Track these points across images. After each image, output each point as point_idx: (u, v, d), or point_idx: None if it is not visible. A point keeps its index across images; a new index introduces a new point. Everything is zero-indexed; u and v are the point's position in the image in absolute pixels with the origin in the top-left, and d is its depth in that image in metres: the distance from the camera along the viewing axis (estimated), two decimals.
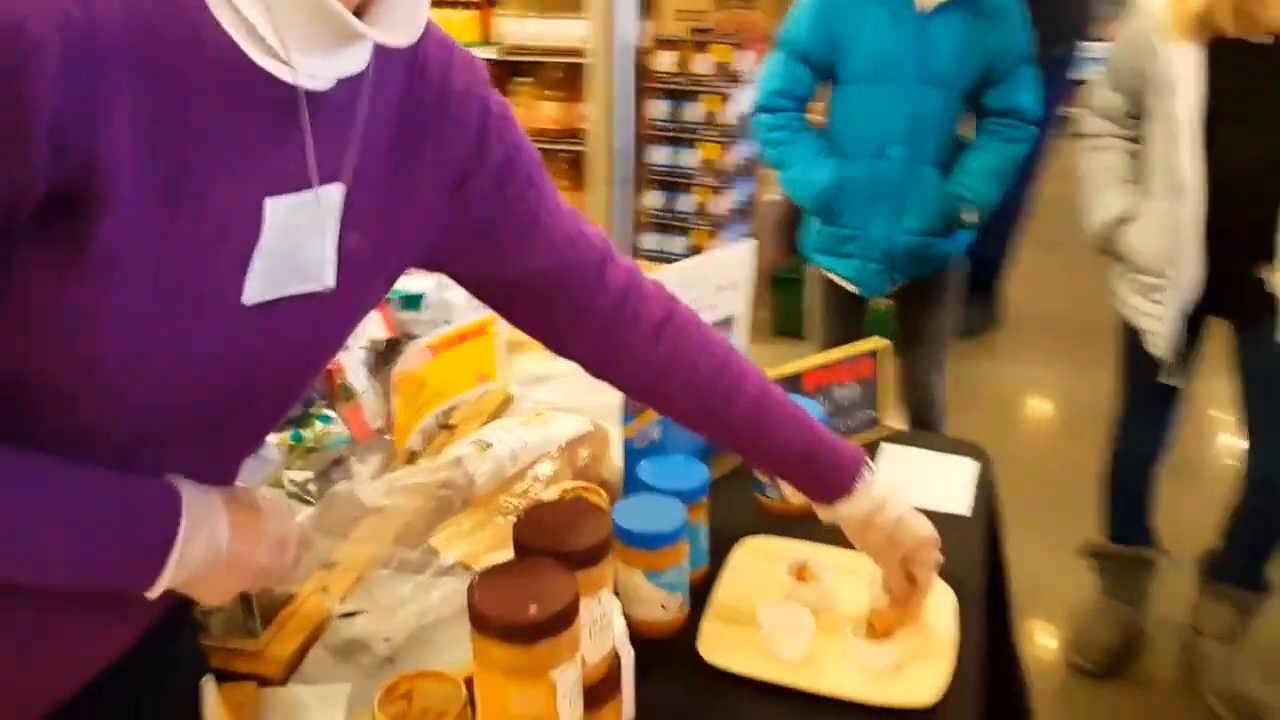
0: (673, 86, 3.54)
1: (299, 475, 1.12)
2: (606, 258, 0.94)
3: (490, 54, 3.86)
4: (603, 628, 0.85)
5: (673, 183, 3.60)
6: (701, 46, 3.48)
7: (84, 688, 0.82)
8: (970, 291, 3.84)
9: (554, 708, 0.77)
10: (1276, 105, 1.67)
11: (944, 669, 1.03)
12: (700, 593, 1.14)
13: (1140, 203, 1.84)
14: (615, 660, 0.90)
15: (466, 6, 3.87)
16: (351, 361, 1.26)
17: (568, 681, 0.78)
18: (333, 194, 0.72)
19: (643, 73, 3.58)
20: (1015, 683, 1.32)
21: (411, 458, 1.34)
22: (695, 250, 3.51)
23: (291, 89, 0.67)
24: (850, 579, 1.14)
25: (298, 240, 0.71)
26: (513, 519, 1.19)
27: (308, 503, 1.14)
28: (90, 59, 0.58)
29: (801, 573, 1.14)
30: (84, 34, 0.58)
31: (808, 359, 1.40)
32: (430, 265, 0.88)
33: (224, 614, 1.09)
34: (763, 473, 1.28)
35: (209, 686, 0.92)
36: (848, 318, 2.21)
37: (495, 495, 1.21)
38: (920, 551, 1.04)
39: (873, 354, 1.42)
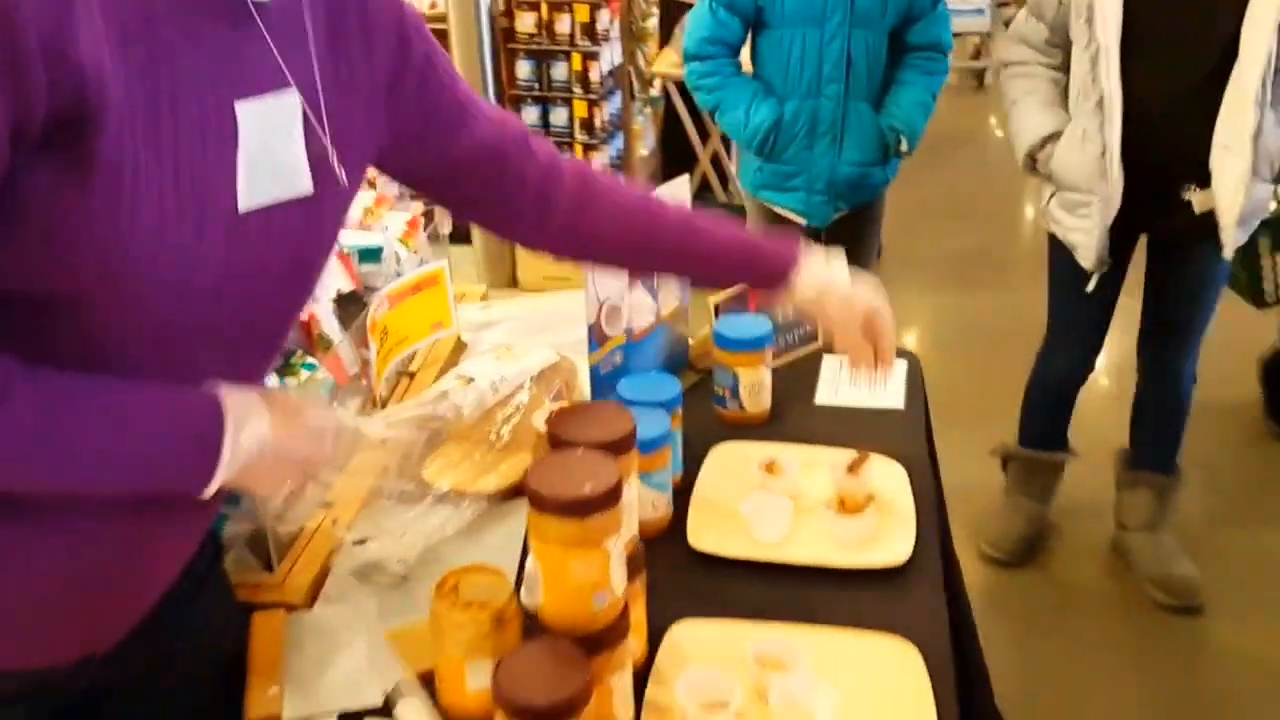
0: (535, 47, 3.58)
1: (350, 423, 1.15)
2: (528, 131, 1.02)
3: None
4: (633, 510, 0.95)
5: None
6: (562, 7, 3.53)
7: (151, 610, 0.86)
8: None
9: (608, 574, 0.86)
10: (1192, 29, 1.79)
11: (909, 534, 1.18)
12: (680, 496, 1.25)
13: (1064, 125, 1.95)
14: (639, 541, 0.99)
15: None
16: (324, 312, 1.28)
17: (618, 551, 0.87)
18: (292, 98, 0.78)
19: (505, 35, 3.60)
20: (952, 555, 1.49)
21: (383, 404, 1.38)
22: None
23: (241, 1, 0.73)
24: (814, 470, 1.27)
25: (273, 145, 0.77)
26: (499, 448, 1.28)
27: None
28: None
29: (771, 468, 1.27)
30: None
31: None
32: (381, 164, 0.94)
33: (236, 552, 1.12)
34: (713, 286, 1.33)
35: None
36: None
37: (479, 426, 1.27)
38: (877, 319, 1.11)
39: None
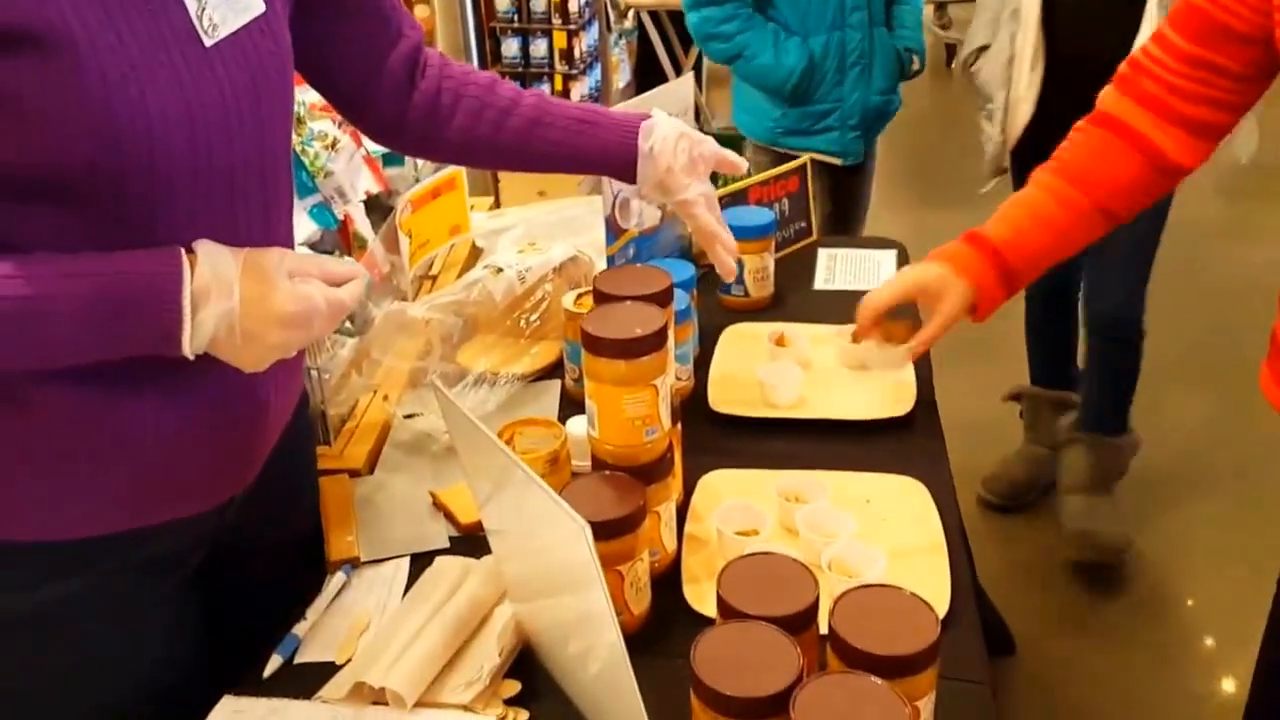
0: None
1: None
2: (403, 6, 1.06)
3: None
4: (674, 357, 1.05)
5: (527, 73, 3.68)
6: None
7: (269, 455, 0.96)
8: None
9: (657, 410, 0.96)
10: None
11: (909, 389, 1.30)
12: (699, 371, 1.35)
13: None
14: (676, 397, 1.10)
15: None
16: (358, 213, 1.37)
17: (665, 390, 0.97)
18: None
19: None
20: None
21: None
22: None
23: None
24: (820, 344, 1.38)
25: None
26: (528, 334, 1.38)
27: (349, 335, 1.26)
28: None
29: (780, 340, 1.38)
30: None
31: (747, 180, 1.62)
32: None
33: None
34: (560, 169, 1.23)
35: None
36: (830, 188, 2.29)
37: (509, 312, 1.36)
38: (699, 146, 1.13)
39: (799, 170, 1.66)
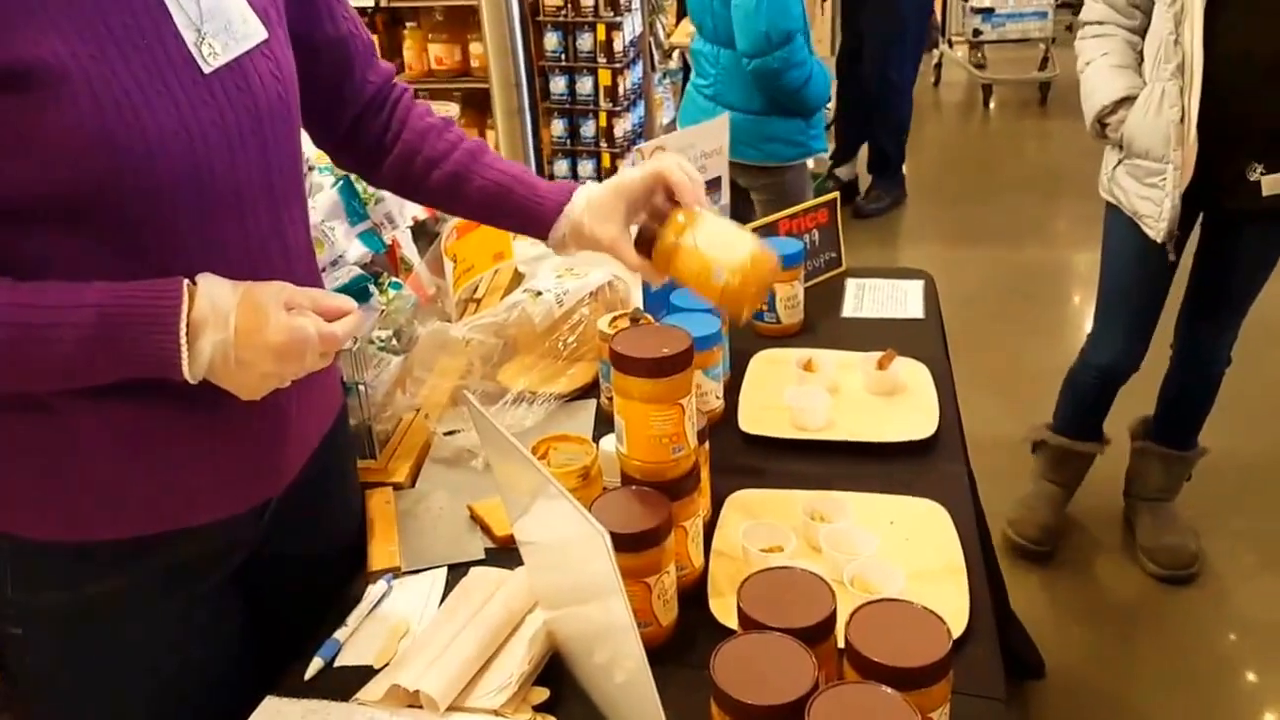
0: (562, 19, 3.71)
1: (383, 333, 1.30)
2: (374, 48, 1.10)
3: (370, 1, 3.96)
4: (701, 390, 1.09)
5: (574, 110, 3.78)
6: None
7: (304, 468, 1.01)
8: (877, 176, 4.27)
9: (684, 428, 1.00)
10: None
11: (933, 412, 1.32)
12: (729, 394, 1.39)
13: (1138, 89, 1.85)
14: (704, 419, 1.14)
15: None
16: (405, 238, 1.43)
17: (691, 409, 1.01)
18: None
19: (533, 8, 3.73)
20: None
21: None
22: (609, 173, 3.71)
23: None
24: (847, 368, 1.42)
25: (213, 6, 0.84)
26: (565, 355, 1.42)
27: (394, 353, 1.32)
28: None
29: (808, 365, 1.41)
30: None
31: (778, 214, 1.66)
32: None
33: None
34: (485, 221, 1.21)
35: None
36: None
37: (547, 334, 1.42)
38: (637, 184, 1.04)
39: (828, 205, 1.70)
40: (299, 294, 0.85)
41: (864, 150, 4.36)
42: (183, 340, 0.80)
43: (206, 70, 0.83)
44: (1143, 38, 1.90)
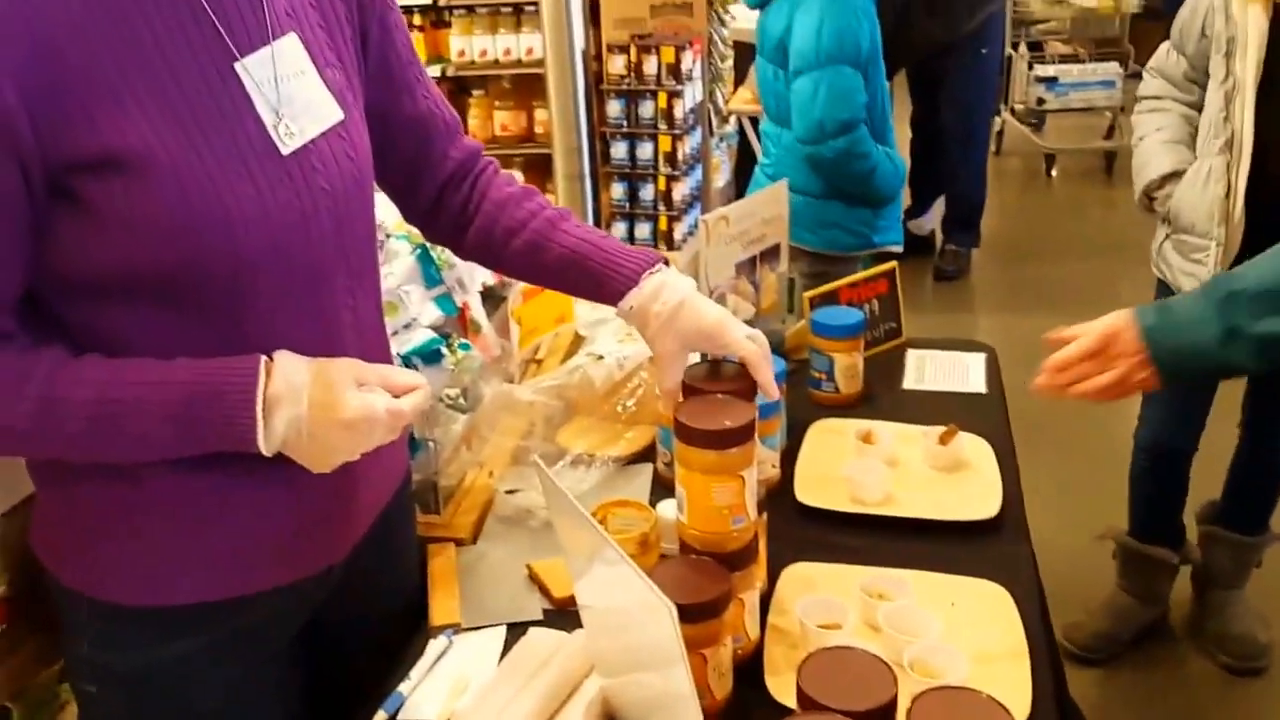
0: (625, 87, 3.81)
1: (451, 391, 1.34)
2: (459, 125, 1.11)
3: (438, 71, 4.13)
4: (759, 459, 1.10)
5: (633, 174, 3.86)
6: (649, 50, 3.76)
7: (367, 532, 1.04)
8: (954, 232, 4.28)
9: (744, 500, 1.01)
10: None
11: (996, 493, 1.31)
12: (787, 463, 1.39)
13: (1188, 164, 1.85)
14: (762, 487, 1.14)
15: (414, 28, 4.12)
16: (475, 301, 1.48)
17: (752, 481, 1.02)
18: (291, 42, 0.88)
19: (597, 77, 3.84)
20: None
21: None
22: (665, 234, 3.78)
23: None
24: (907, 443, 1.41)
25: (292, 90, 0.86)
26: (624, 419, 1.44)
27: (461, 410, 1.35)
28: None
29: (867, 437, 1.41)
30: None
31: (838, 281, 1.68)
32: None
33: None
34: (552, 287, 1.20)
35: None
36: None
37: (607, 397, 1.44)
38: (718, 336, 1.05)
39: (887, 275, 1.71)
40: (369, 371, 0.88)
41: (939, 206, 4.40)
42: (259, 416, 0.83)
43: (284, 152, 0.86)
44: (1199, 113, 1.89)
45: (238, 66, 0.84)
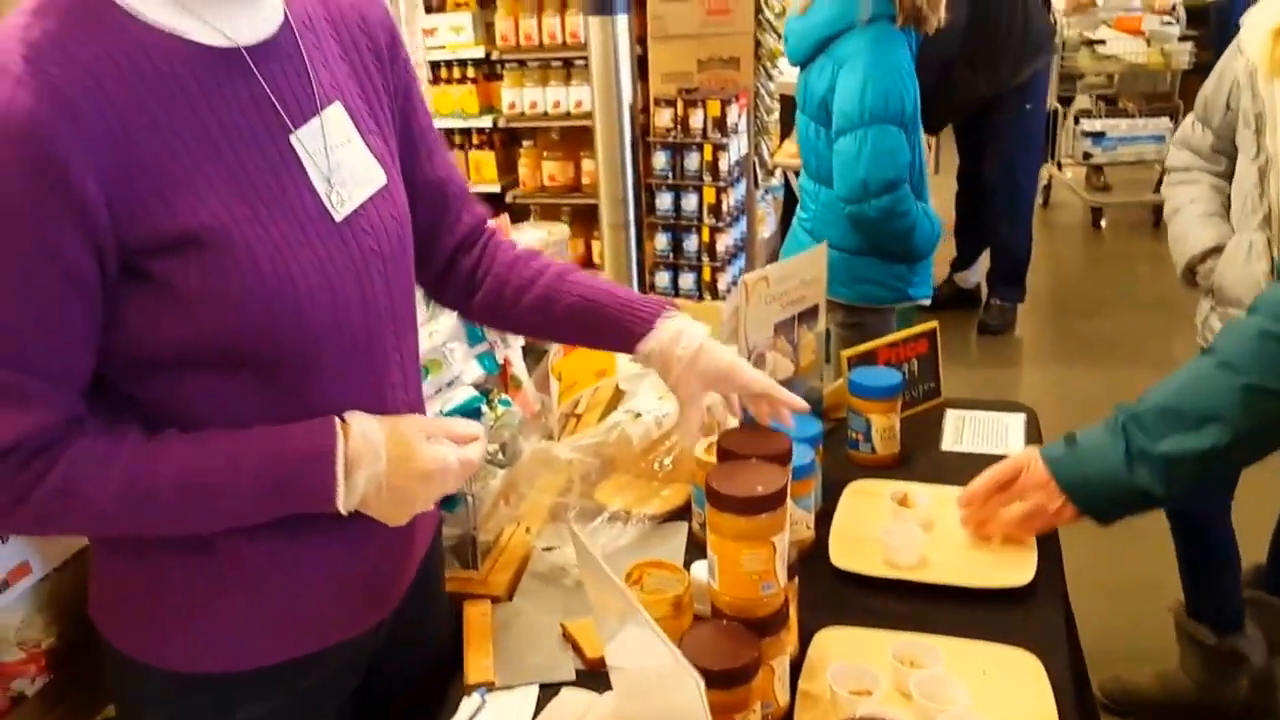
0: (671, 140, 3.87)
1: (491, 447, 1.37)
2: (469, 191, 1.14)
3: (489, 122, 4.26)
4: (793, 520, 1.11)
5: (678, 225, 3.91)
6: (695, 104, 3.83)
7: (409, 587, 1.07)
8: (1000, 285, 4.26)
9: (774, 566, 1.02)
10: None
11: (1030, 560, 1.30)
12: (821, 524, 1.40)
13: (1227, 238, 1.84)
14: (794, 549, 1.15)
15: (467, 80, 4.26)
16: (516, 356, 1.52)
17: (782, 547, 1.03)
18: (337, 111, 0.92)
19: (644, 129, 3.92)
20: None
21: (557, 439, 1.60)
22: (709, 285, 3.81)
23: (240, 50, 0.85)
24: (943, 505, 1.41)
25: (340, 158, 0.91)
26: (661, 476, 1.46)
27: (500, 466, 1.38)
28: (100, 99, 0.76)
29: (903, 500, 1.41)
30: (80, 95, 0.75)
31: (877, 340, 1.69)
32: None
33: (447, 553, 1.33)
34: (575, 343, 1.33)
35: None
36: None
37: (645, 454, 1.46)
38: (734, 377, 1.10)
39: (927, 335, 1.72)
40: (432, 423, 0.93)
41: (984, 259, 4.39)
42: (340, 476, 0.87)
43: (337, 218, 0.90)
44: (1229, 182, 1.88)
45: (292, 139, 0.89)
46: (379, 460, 0.88)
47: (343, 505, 0.88)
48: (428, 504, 0.93)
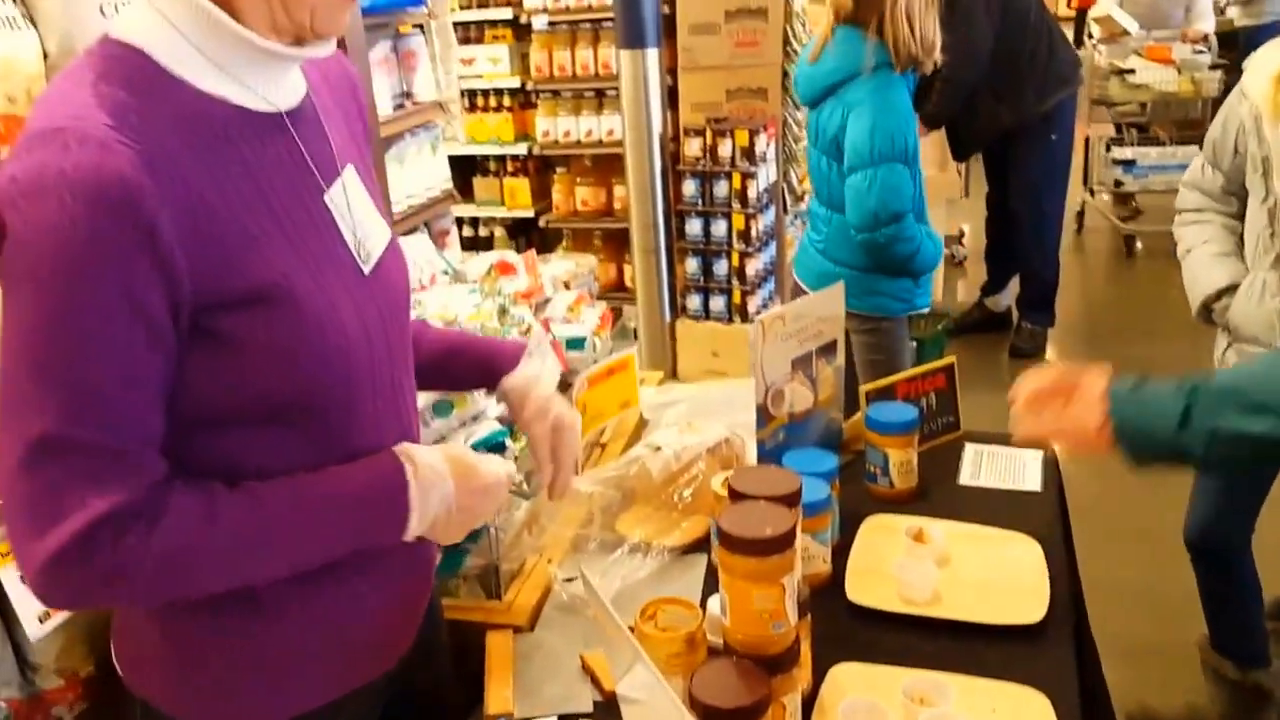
0: (700, 169, 3.92)
1: (516, 477, 1.41)
2: None
3: (524, 149, 4.35)
4: (803, 558, 1.14)
5: (707, 250, 3.95)
6: (724, 133, 3.87)
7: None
8: (1030, 311, 4.27)
9: (784, 605, 1.05)
10: None
11: (1042, 598, 1.32)
12: (838, 558, 1.42)
13: (1241, 276, 1.86)
14: (807, 587, 1.18)
15: (503, 109, 4.36)
16: None
17: (792, 587, 1.06)
18: (351, 172, 0.98)
19: (674, 157, 3.97)
20: (1084, 618, 1.59)
21: (581, 469, 1.64)
22: (739, 308, 3.85)
23: (281, 114, 0.91)
24: (958, 541, 1.43)
25: (360, 216, 0.97)
26: (680, 509, 1.50)
27: (524, 497, 1.42)
28: (170, 173, 0.81)
29: (919, 536, 1.44)
30: (157, 162, 0.80)
31: (897, 375, 1.72)
32: None
33: (469, 584, 1.37)
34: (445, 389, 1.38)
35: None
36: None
37: (665, 487, 1.50)
38: (564, 430, 1.19)
39: (945, 370, 1.74)
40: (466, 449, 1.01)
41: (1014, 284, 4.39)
42: (413, 505, 0.94)
43: (365, 271, 0.97)
44: (1241, 220, 1.89)
45: (326, 198, 0.95)
46: (446, 483, 0.96)
47: (412, 530, 0.95)
48: (489, 517, 1.01)
